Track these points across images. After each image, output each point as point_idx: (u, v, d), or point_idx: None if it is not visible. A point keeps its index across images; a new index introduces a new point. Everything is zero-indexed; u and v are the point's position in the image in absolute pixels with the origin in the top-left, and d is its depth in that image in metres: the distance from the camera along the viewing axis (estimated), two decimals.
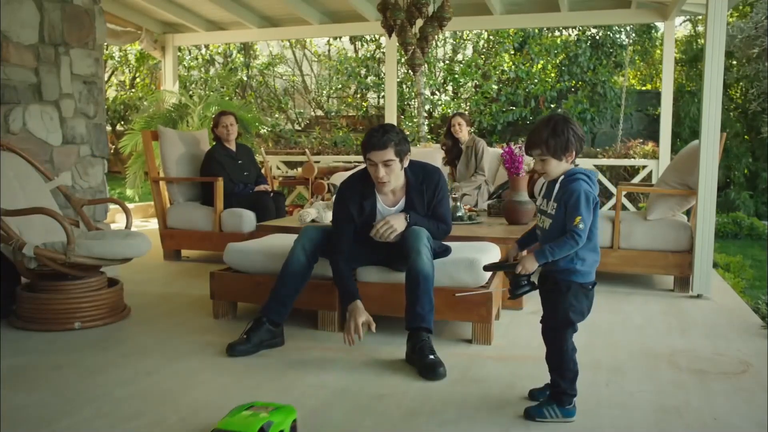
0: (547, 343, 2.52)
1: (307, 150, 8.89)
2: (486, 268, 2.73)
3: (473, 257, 3.36)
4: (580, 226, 2.33)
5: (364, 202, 3.31)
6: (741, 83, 10.92)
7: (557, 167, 2.44)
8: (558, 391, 2.46)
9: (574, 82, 11.13)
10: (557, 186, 2.43)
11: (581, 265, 2.42)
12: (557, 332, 2.46)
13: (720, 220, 8.73)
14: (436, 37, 5.40)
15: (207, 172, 5.57)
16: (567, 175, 2.42)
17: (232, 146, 5.76)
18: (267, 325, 3.22)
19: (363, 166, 3.33)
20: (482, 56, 11.76)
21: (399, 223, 3.23)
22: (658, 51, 11.35)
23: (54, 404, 2.62)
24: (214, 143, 5.81)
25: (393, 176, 3.20)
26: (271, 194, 5.70)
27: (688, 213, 4.91)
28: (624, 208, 7.00)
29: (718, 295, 4.40)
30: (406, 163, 3.25)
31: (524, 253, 2.60)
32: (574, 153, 2.41)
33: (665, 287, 4.65)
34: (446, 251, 3.40)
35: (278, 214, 5.47)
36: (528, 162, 4.37)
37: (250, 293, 3.74)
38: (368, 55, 12.27)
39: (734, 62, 10.62)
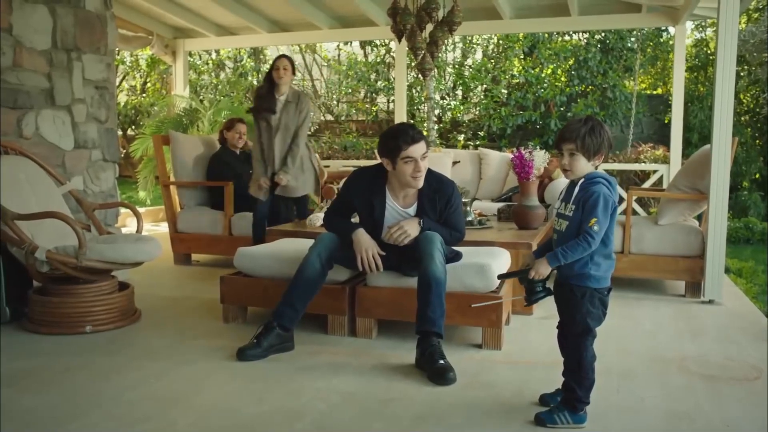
0: (565, 351, 2.50)
1: (316, 154, 8.90)
2: (500, 277, 2.75)
3: (484, 262, 3.35)
4: (595, 228, 2.32)
5: (373, 200, 3.33)
6: (753, 88, 10.85)
7: (584, 167, 2.43)
8: (572, 398, 2.45)
9: (584, 86, 11.09)
10: (577, 188, 2.43)
11: (596, 270, 2.40)
12: (577, 340, 2.45)
13: (732, 225, 8.67)
14: (445, 41, 5.40)
15: (214, 173, 5.60)
16: (588, 178, 2.42)
17: (237, 151, 5.80)
18: (277, 329, 3.23)
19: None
20: (492, 60, 11.75)
21: (413, 228, 3.24)
22: (670, 55, 11.30)
23: (64, 407, 2.64)
24: (219, 148, 5.81)
25: (425, 170, 3.23)
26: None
27: (699, 218, 4.88)
28: (635, 212, 6.96)
29: (730, 301, 4.37)
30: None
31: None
32: (602, 157, 2.42)
33: (676, 292, 4.63)
34: (457, 256, 3.39)
35: (289, 218, 5.45)
36: (538, 166, 4.36)
37: (260, 298, 3.75)
38: (378, 60, 12.29)
39: (745, 66, 10.56)
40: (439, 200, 3.32)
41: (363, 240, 3.30)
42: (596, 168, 2.45)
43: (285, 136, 4.88)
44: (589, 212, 2.34)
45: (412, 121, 11.39)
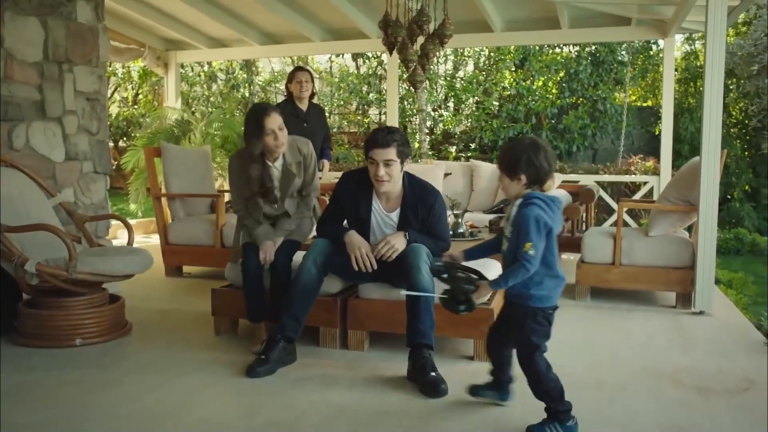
0: (522, 369, 2.53)
1: None
2: (444, 304, 2.69)
3: None
4: (531, 252, 2.36)
5: (360, 201, 3.37)
6: (742, 101, 10.96)
7: (509, 186, 2.51)
8: (551, 410, 2.47)
9: (574, 98, 11.17)
10: (514, 209, 2.48)
11: (537, 290, 2.44)
12: (527, 356, 2.49)
13: (722, 236, 8.73)
14: (437, 54, 5.42)
15: None
16: (525, 198, 2.46)
17: (304, 105, 5.46)
18: (282, 342, 3.21)
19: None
20: (483, 73, 11.82)
21: (399, 242, 3.25)
22: (660, 68, 11.40)
23: (55, 422, 2.61)
24: (285, 98, 5.56)
25: (392, 177, 3.25)
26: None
27: (689, 229, 4.91)
28: (625, 224, 7.00)
29: (721, 312, 4.38)
30: (405, 167, 3.31)
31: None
32: (524, 178, 2.45)
33: (667, 303, 4.64)
34: None
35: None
36: None
37: None
38: (370, 72, 12.34)
39: (734, 79, 10.67)
40: (421, 208, 3.34)
41: (355, 240, 3.31)
42: (532, 188, 2.47)
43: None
44: (523, 237, 2.38)
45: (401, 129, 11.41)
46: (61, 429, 2.55)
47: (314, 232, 4.25)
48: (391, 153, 3.19)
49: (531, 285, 2.43)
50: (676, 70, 9.41)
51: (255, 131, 3.47)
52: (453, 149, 11.44)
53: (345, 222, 3.52)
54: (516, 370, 2.58)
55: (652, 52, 11.64)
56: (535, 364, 2.46)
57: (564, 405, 2.45)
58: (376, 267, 3.30)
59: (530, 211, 2.38)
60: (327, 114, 13.05)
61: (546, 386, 2.46)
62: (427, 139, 11.26)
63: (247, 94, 13.10)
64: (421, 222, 3.35)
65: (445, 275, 2.63)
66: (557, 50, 11.61)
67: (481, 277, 2.57)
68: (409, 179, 3.38)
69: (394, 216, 3.38)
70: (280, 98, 13.45)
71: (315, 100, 5.63)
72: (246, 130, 3.54)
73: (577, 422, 2.46)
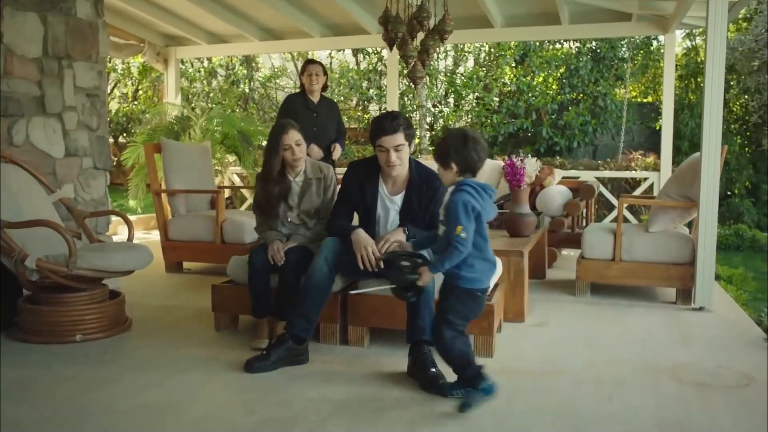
0: (433, 339, 2.75)
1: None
2: (394, 293, 2.88)
3: None
4: (462, 234, 2.52)
5: (366, 187, 3.40)
6: (742, 97, 10.94)
7: (443, 174, 2.70)
8: (466, 378, 2.62)
9: (575, 94, 11.16)
10: (446, 196, 2.66)
11: (467, 272, 2.61)
12: (437, 327, 2.67)
13: (722, 232, 8.73)
14: (437, 49, 5.42)
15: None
16: (456, 185, 2.64)
17: (315, 97, 5.55)
18: (289, 342, 3.19)
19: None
20: (483, 68, 11.80)
21: (399, 238, 3.25)
22: (660, 63, 11.38)
23: (54, 418, 2.62)
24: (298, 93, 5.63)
25: (402, 161, 3.28)
26: None
27: (689, 225, 4.91)
28: (626, 220, 6.99)
29: (721, 308, 4.38)
30: (412, 148, 3.35)
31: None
32: (454, 167, 2.63)
33: (667, 299, 4.64)
34: None
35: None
36: (530, 174, 4.37)
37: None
38: (370, 68, 12.31)
39: (734, 75, 10.64)
40: (426, 191, 3.36)
41: (361, 238, 3.29)
42: (463, 176, 2.65)
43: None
44: (453, 221, 2.55)
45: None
46: (60, 425, 2.55)
47: None
48: (400, 138, 3.22)
49: (463, 266, 2.60)
50: (676, 66, 9.37)
51: (273, 148, 3.61)
52: None
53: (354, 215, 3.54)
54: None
55: (652, 48, 11.61)
56: (442, 334, 2.65)
57: (472, 370, 2.60)
58: (382, 266, 3.29)
59: (459, 197, 2.56)
60: None
61: (451, 354, 2.64)
62: (428, 135, 11.25)
63: (247, 90, 13.08)
64: (423, 208, 3.36)
65: (388, 267, 2.80)
66: (557, 46, 11.59)
67: (424, 259, 2.74)
68: (416, 164, 3.42)
69: (398, 199, 3.40)
70: (280, 94, 13.47)
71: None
72: (266, 148, 3.70)
73: (490, 380, 2.58)
